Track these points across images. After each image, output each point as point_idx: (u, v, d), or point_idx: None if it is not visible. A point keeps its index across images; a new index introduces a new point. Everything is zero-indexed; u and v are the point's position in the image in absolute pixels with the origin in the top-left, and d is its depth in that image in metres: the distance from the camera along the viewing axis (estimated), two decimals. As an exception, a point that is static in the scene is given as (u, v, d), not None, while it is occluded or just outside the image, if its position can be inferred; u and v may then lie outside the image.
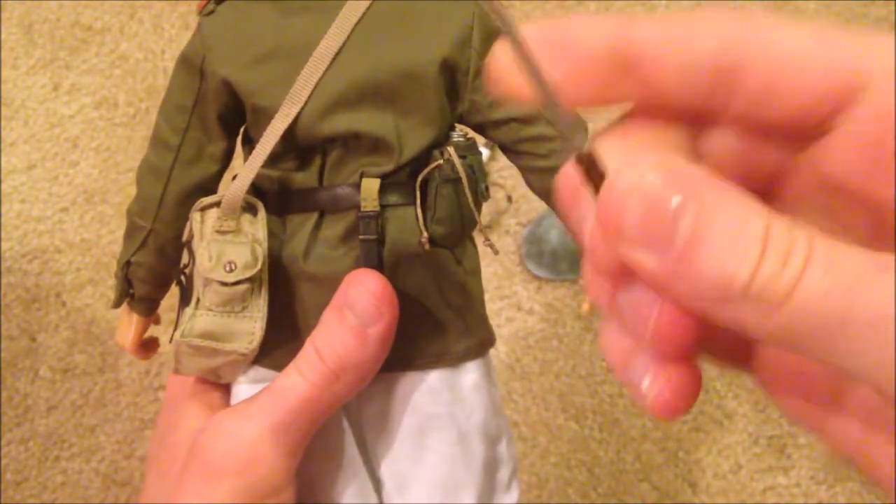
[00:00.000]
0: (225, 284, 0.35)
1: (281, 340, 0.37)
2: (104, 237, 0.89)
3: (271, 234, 0.36)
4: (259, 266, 0.35)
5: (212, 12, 0.37)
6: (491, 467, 0.39)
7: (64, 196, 0.91)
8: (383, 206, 0.36)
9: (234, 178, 0.36)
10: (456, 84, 0.37)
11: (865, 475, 0.21)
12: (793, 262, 0.17)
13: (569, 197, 0.21)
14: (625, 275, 0.20)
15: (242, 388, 0.38)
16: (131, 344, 0.43)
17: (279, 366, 0.36)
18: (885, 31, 0.19)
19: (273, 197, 0.37)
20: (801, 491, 0.84)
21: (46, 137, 0.93)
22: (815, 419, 0.22)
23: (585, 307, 0.88)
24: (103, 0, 0.98)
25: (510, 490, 0.40)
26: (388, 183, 0.36)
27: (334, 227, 0.37)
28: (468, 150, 0.36)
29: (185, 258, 0.38)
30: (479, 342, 0.39)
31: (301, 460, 0.36)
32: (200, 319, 0.35)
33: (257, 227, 0.36)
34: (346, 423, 0.38)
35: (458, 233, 0.37)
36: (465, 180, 0.36)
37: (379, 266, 0.36)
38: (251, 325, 0.35)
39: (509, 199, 0.90)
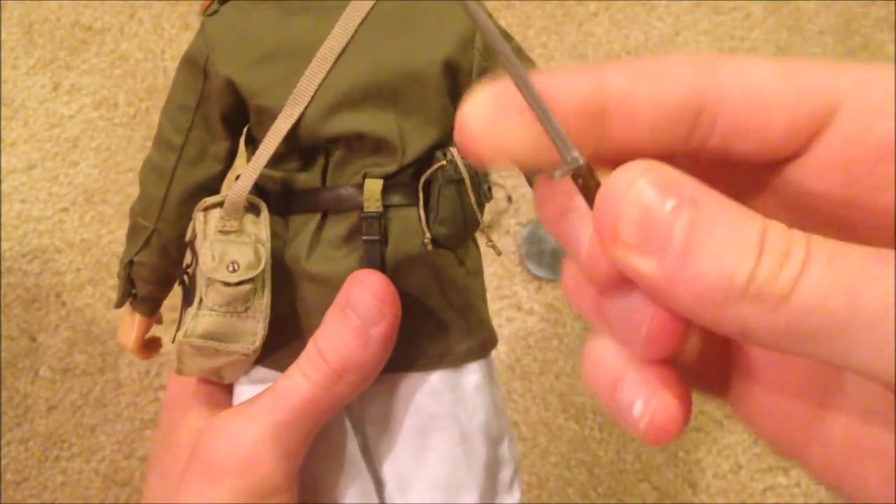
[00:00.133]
0: (228, 285, 0.34)
1: (283, 341, 0.37)
2: (104, 237, 0.89)
3: (274, 235, 0.36)
4: (262, 266, 0.35)
5: (215, 12, 0.37)
6: (493, 468, 0.39)
7: (64, 196, 0.91)
8: (386, 207, 0.36)
9: (238, 178, 0.36)
10: (459, 84, 0.37)
11: (850, 498, 0.21)
12: (791, 262, 0.17)
13: (553, 211, 0.21)
14: (619, 283, 0.20)
15: (244, 389, 0.38)
16: (134, 344, 0.43)
17: (281, 366, 0.36)
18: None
19: (276, 197, 0.37)
20: (801, 491, 0.84)
21: (46, 137, 0.93)
22: (794, 449, 0.22)
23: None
24: (103, 0, 0.98)
25: (512, 490, 0.40)
26: (391, 183, 0.36)
27: (337, 228, 0.37)
28: None
29: (187, 258, 0.38)
30: (482, 343, 0.39)
31: (303, 460, 0.36)
32: (203, 320, 0.35)
33: (260, 228, 0.36)
34: (348, 424, 0.38)
35: (461, 234, 0.37)
36: (467, 181, 0.36)
37: (381, 267, 0.36)
38: (254, 326, 0.35)
39: (509, 199, 0.90)
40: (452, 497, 0.38)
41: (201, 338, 0.35)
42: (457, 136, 0.20)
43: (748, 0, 0.99)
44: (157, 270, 0.40)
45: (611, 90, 0.19)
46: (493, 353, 0.40)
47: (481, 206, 0.37)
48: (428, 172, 0.36)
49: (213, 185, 0.39)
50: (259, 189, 0.37)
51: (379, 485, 0.38)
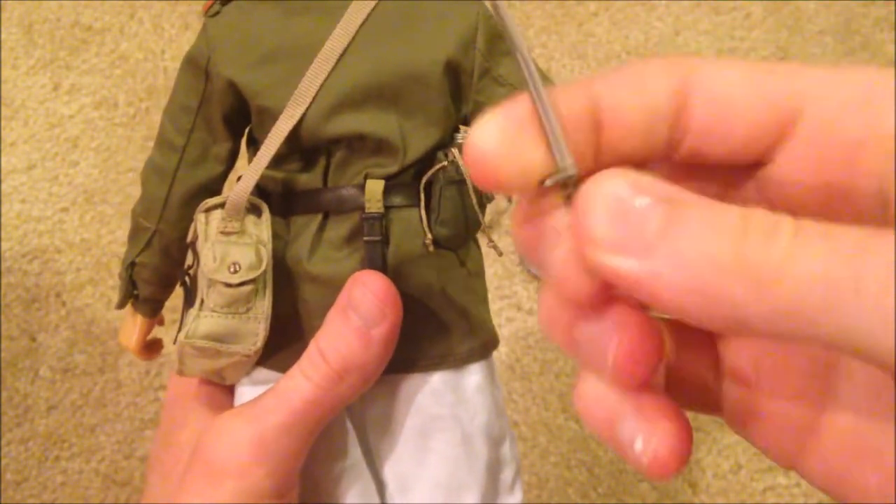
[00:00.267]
0: (229, 286, 0.34)
1: (285, 342, 0.37)
2: (104, 237, 0.89)
3: (275, 236, 0.36)
4: (263, 267, 0.35)
5: (217, 13, 0.37)
6: (494, 469, 0.39)
7: (64, 196, 0.90)
8: (387, 208, 0.36)
9: (239, 179, 0.36)
10: (460, 85, 0.37)
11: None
12: (781, 237, 0.16)
13: (529, 231, 0.21)
14: (589, 304, 0.19)
15: (246, 390, 0.38)
16: (135, 345, 0.43)
17: (283, 367, 0.36)
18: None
19: (277, 198, 0.37)
20: (801, 491, 0.84)
21: (46, 137, 0.93)
22: (789, 457, 0.22)
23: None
24: (103, 0, 0.98)
25: (514, 491, 0.40)
26: (392, 184, 0.36)
27: (338, 229, 0.36)
28: None
29: (189, 259, 0.38)
30: (483, 344, 0.39)
31: (305, 461, 0.36)
32: (204, 321, 0.35)
33: (261, 229, 0.36)
34: (349, 425, 0.38)
35: (462, 234, 0.37)
36: (469, 182, 0.36)
37: (383, 267, 0.36)
38: (255, 327, 0.35)
39: (509, 199, 0.90)
40: (454, 498, 0.38)
41: (203, 339, 0.35)
42: (468, 162, 0.19)
43: (748, 0, 0.99)
44: (158, 271, 0.40)
45: (601, 102, 0.19)
46: (494, 353, 0.40)
47: (483, 207, 0.37)
48: (429, 173, 0.36)
49: (214, 187, 0.39)
50: (260, 190, 0.37)
51: (380, 486, 0.38)
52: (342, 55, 0.35)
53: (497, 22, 0.20)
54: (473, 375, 0.38)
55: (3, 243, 0.88)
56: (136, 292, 0.41)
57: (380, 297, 0.35)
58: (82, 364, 0.85)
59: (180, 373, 0.38)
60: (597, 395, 0.21)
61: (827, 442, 0.21)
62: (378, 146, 0.36)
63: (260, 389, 0.36)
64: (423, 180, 0.36)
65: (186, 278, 0.39)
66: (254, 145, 0.38)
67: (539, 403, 0.86)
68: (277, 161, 0.36)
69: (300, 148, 0.36)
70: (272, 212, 0.36)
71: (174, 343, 0.36)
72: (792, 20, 0.99)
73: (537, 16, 0.98)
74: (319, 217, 0.37)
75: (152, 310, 0.42)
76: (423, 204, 0.36)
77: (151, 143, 0.39)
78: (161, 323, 0.44)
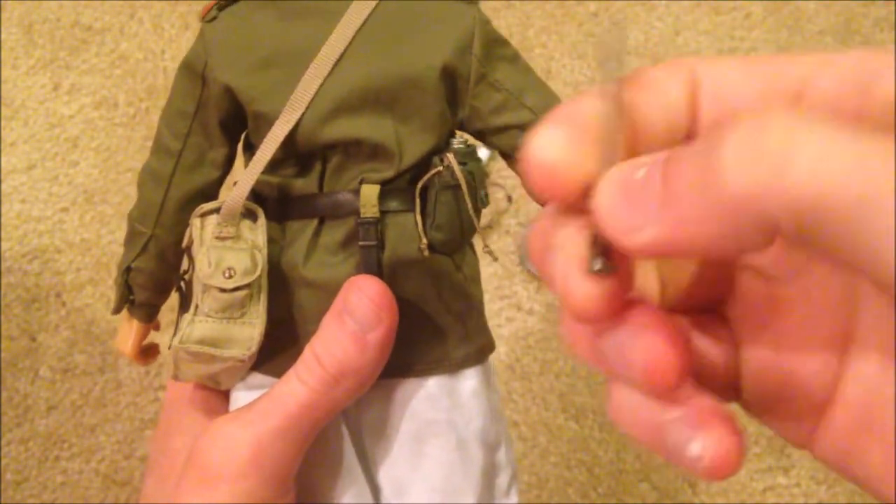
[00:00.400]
0: (223, 290, 0.34)
1: (280, 347, 0.37)
2: (104, 237, 0.89)
3: (271, 241, 0.36)
4: (258, 272, 0.35)
5: (214, 18, 0.37)
6: (490, 474, 0.39)
7: (64, 196, 0.91)
8: (383, 213, 0.36)
9: (235, 184, 0.36)
10: (457, 90, 0.37)
11: (858, 484, 0.21)
12: (776, 123, 0.16)
13: (541, 253, 0.21)
14: (604, 316, 0.19)
15: (241, 395, 0.38)
16: (131, 350, 0.42)
17: (278, 372, 0.36)
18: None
19: (273, 203, 0.37)
20: (801, 491, 0.84)
21: (46, 137, 0.93)
22: (803, 436, 0.22)
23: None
24: (103, 0, 0.98)
25: (509, 496, 0.40)
26: (387, 189, 0.36)
27: (334, 234, 0.36)
28: (468, 156, 0.36)
29: (185, 264, 0.38)
30: (479, 349, 0.39)
31: (300, 466, 0.36)
32: (199, 326, 0.35)
33: (257, 234, 0.36)
34: (345, 429, 0.38)
35: (458, 239, 0.37)
36: (464, 187, 0.36)
37: (378, 272, 0.36)
38: (250, 332, 0.35)
39: (509, 199, 0.90)
40: (450, 502, 0.38)
41: (197, 343, 0.35)
42: (531, 172, 0.19)
43: (748, 0, 0.99)
44: (154, 276, 0.40)
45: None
46: (493, 353, 0.40)
47: (478, 212, 0.37)
48: (425, 178, 0.36)
49: (210, 192, 0.39)
50: (256, 195, 0.37)
51: (375, 490, 0.38)
52: (338, 60, 0.35)
53: (606, 41, 0.20)
54: (469, 380, 0.38)
55: (3, 243, 0.88)
56: (131, 297, 0.41)
57: (375, 301, 0.35)
58: (82, 364, 0.85)
59: (175, 378, 0.38)
60: (635, 405, 0.21)
61: (838, 416, 0.21)
62: (374, 151, 0.36)
63: (255, 394, 0.36)
64: (419, 185, 0.36)
65: (182, 283, 0.39)
66: (250, 150, 0.38)
67: (539, 403, 0.86)
68: (273, 166, 0.36)
69: (296, 153, 0.36)
70: (268, 217, 0.36)
71: (168, 349, 0.36)
72: (792, 20, 0.99)
73: (537, 16, 0.98)
74: (315, 222, 0.37)
75: (148, 315, 0.42)
76: (418, 209, 0.36)
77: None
78: (157, 328, 0.44)
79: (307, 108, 0.35)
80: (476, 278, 0.40)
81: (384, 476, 0.38)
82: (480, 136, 0.38)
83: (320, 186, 0.37)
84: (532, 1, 0.98)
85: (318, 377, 0.35)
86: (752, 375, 0.23)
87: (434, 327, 0.38)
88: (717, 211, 0.16)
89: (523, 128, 0.37)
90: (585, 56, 0.97)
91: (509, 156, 0.38)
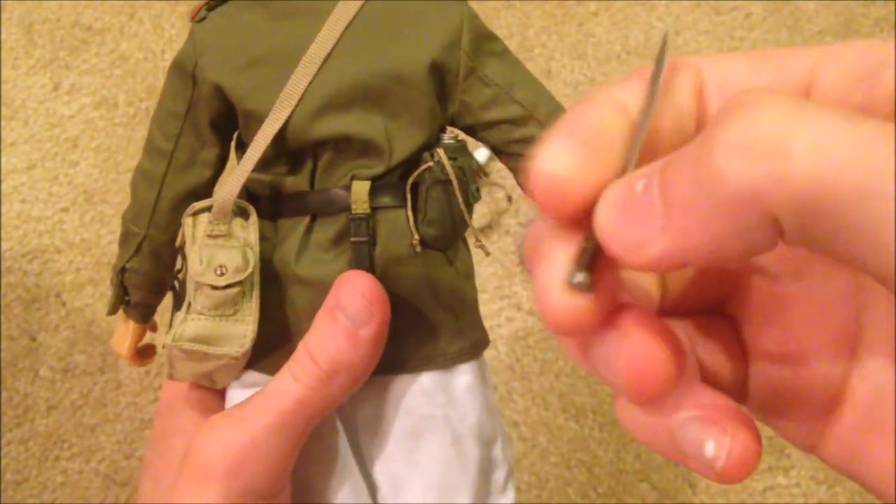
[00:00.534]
0: (215, 288, 0.35)
1: (273, 344, 0.37)
2: (104, 237, 0.89)
3: (263, 238, 0.36)
4: (250, 270, 0.35)
5: (203, 19, 0.37)
6: (486, 469, 0.39)
7: (64, 196, 0.91)
8: (374, 209, 0.36)
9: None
10: (446, 86, 0.37)
11: (864, 486, 0.21)
12: (766, 105, 0.16)
13: (531, 258, 0.21)
14: (584, 329, 0.19)
15: (236, 393, 0.39)
16: (127, 351, 0.43)
17: (272, 370, 0.36)
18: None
19: (265, 201, 0.37)
20: (801, 491, 0.84)
21: (46, 137, 0.93)
22: (808, 438, 0.22)
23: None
24: (103, 0, 0.98)
25: (506, 492, 0.40)
26: (378, 185, 0.36)
27: (326, 231, 0.37)
28: (458, 152, 0.36)
29: (178, 263, 0.38)
30: (473, 344, 0.39)
31: (295, 463, 0.36)
32: (191, 323, 0.35)
33: (249, 231, 0.36)
34: (340, 426, 0.38)
35: (450, 235, 0.37)
36: (454, 182, 0.36)
37: (370, 268, 0.36)
38: (243, 329, 0.35)
39: (509, 199, 0.90)
40: (446, 499, 0.38)
41: (190, 341, 0.35)
42: (536, 188, 0.18)
43: (748, 0, 0.99)
44: (149, 276, 0.40)
45: (629, 110, 0.20)
46: (493, 353, 0.40)
47: (469, 207, 0.37)
48: (415, 174, 0.36)
49: (203, 191, 0.39)
50: (248, 193, 0.37)
51: (372, 487, 0.38)
52: (327, 58, 0.35)
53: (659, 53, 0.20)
54: (464, 375, 0.38)
55: (3, 243, 0.88)
56: (127, 298, 0.41)
57: (367, 296, 0.35)
58: (82, 364, 0.85)
59: (170, 377, 0.38)
60: (644, 412, 0.20)
61: (846, 417, 0.21)
62: (364, 147, 0.36)
63: (250, 392, 0.36)
64: (410, 181, 0.36)
65: (176, 282, 0.39)
66: (242, 149, 0.38)
67: (539, 403, 0.86)
68: (264, 164, 0.36)
69: (287, 150, 0.36)
70: (259, 214, 0.36)
71: (162, 347, 0.36)
72: (792, 20, 0.98)
73: (537, 16, 0.98)
74: (307, 219, 0.37)
75: (143, 315, 0.42)
76: (409, 204, 0.36)
77: (151, 144, 0.40)
78: (154, 329, 0.44)
79: (297, 105, 0.35)
80: (469, 274, 0.40)
81: (380, 472, 0.38)
82: (471, 131, 0.38)
83: (311, 183, 0.37)
84: (532, 1, 0.98)
85: (311, 374, 0.35)
86: (759, 377, 0.23)
87: (427, 323, 0.38)
88: (719, 212, 0.16)
89: (513, 122, 0.37)
90: (585, 56, 0.96)
91: (500, 151, 0.38)
